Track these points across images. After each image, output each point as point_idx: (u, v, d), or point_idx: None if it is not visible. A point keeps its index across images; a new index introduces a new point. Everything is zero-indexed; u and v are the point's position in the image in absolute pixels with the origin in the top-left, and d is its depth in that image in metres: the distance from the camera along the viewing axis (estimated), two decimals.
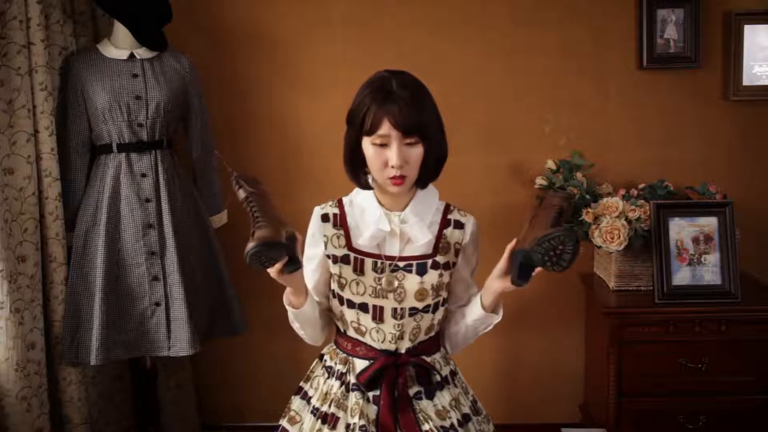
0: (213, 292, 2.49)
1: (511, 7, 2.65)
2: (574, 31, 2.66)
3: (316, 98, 2.70)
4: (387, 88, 1.62)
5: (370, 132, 1.62)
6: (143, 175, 2.32)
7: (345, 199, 1.79)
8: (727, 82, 2.64)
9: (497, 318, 1.78)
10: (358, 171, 1.71)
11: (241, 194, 1.68)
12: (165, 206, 2.33)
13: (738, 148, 2.69)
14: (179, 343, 2.31)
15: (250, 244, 1.55)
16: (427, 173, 1.70)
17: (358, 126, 1.64)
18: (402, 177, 1.63)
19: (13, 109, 2.13)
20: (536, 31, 2.66)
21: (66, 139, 2.33)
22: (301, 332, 1.82)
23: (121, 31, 2.33)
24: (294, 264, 1.60)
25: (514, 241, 1.67)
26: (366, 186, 1.73)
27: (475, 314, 1.76)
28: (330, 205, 1.78)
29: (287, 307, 1.75)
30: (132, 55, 2.34)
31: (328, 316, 1.85)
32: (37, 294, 2.20)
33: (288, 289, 1.70)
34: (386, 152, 1.61)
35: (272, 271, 1.60)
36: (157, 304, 2.31)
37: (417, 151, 1.64)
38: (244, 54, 2.71)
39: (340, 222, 1.75)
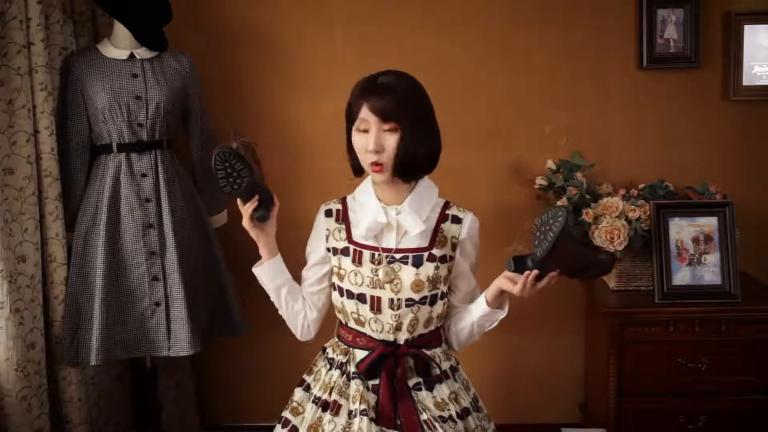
0: (213, 292, 2.49)
1: (511, 8, 2.65)
2: (574, 31, 2.66)
3: (316, 98, 2.70)
4: (372, 80, 1.72)
5: (354, 119, 1.72)
6: (143, 175, 2.32)
7: (349, 197, 1.87)
8: (727, 82, 2.64)
9: (502, 313, 1.82)
10: (352, 160, 1.81)
11: (234, 145, 1.80)
12: (165, 206, 2.33)
13: (738, 148, 2.69)
14: (179, 343, 2.30)
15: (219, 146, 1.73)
16: (409, 164, 1.72)
17: (347, 117, 1.77)
18: (380, 164, 1.70)
19: (13, 109, 2.13)
20: (536, 31, 2.66)
21: (66, 139, 2.33)
22: (282, 312, 1.90)
23: (121, 31, 2.33)
24: (262, 210, 1.75)
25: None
26: (359, 170, 1.82)
27: (480, 311, 1.80)
28: (334, 202, 1.87)
29: (254, 270, 1.86)
30: (132, 55, 2.34)
31: (315, 316, 1.90)
32: (37, 294, 2.20)
33: (260, 249, 1.83)
34: (367, 138, 1.70)
35: (245, 219, 1.76)
36: (157, 304, 2.31)
37: (395, 138, 1.69)
38: (244, 54, 2.71)
39: (342, 217, 1.84)
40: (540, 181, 2.60)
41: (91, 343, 2.24)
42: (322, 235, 1.84)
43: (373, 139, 1.69)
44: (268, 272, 1.84)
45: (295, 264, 1.93)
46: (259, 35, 2.70)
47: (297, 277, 1.92)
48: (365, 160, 1.73)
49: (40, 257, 2.23)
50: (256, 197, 1.76)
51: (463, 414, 1.79)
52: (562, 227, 1.58)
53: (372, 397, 1.74)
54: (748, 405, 2.33)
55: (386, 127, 1.69)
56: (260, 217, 1.76)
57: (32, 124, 2.18)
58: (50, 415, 2.24)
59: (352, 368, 1.79)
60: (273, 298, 1.89)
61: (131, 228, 2.30)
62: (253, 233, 1.79)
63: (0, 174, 2.10)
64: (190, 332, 2.30)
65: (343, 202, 1.86)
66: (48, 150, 2.22)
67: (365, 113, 1.69)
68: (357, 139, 1.73)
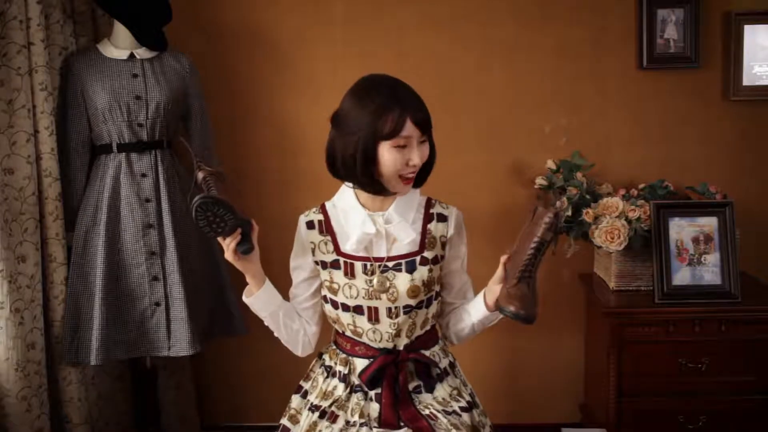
0: (213, 292, 2.49)
1: (511, 7, 2.65)
2: (575, 31, 2.66)
3: (316, 98, 2.70)
4: (399, 89, 1.63)
5: (392, 135, 1.60)
6: (143, 175, 2.32)
7: (328, 204, 1.81)
8: (727, 82, 2.64)
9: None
10: (373, 176, 1.66)
11: (200, 175, 1.70)
12: (165, 206, 2.33)
13: (738, 148, 2.69)
14: (179, 343, 2.31)
15: (197, 196, 1.60)
16: (429, 173, 1.74)
17: (372, 130, 1.60)
18: (414, 174, 1.67)
19: (13, 109, 2.13)
20: (536, 30, 2.66)
21: (66, 139, 2.33)
22: (279, 334, 1.83)
23: (121, 31, 2.33)
24: (247, 243, 1.67)
25: (506, 256, 1.71)
26: (382, 190, 1.69)
27: (480, 314, 1.80)
28: (314, 212, 1.80)
29: (246, 300, 1.78)
30: (132, 55, 2.34)
31: (315, 330, 1.87)
32: (37, 294, 2.20)
33: (247, 279, 1.75)
34: (406, 153, 1.63)
35: (228, 253, 1.66)
36: (157, 304, 2.31)
37: (427, 148, 1.68)
38: (244, 54, 2.71)
39: (326, 228, 1.77)
40: (540, 181, 2.60)
41: (91, 343, 2.24)
42: (307, 249, 1.78)
43: (418, 153, 1.62)
44: (262, 301, 1.77)
45: None
46: (259, 35, 2.70)
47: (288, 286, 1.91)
48: (400, 173, 1.64)
49: (40, 257, 2.23)
50: (239, 231, 1.67)
51: (468, 407, 1.78)
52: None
53: (374, 408, 1.73)
54: (748, 405, 2.33)
55: (422, 138, 1.64)
56: (245, 250, 1.68)
57: (32, 124, 2.18)
58: (50, 415, 2.24)
59: (354, 380, 1.77)
60: (269, 323, 1.81)
61: (131, 228, 2.30)
62: (239, 266, 1.70)
63: (0, 174, 2.10)
64: (190, 332, 2.30)
65: (324, 210, 1.79)
66: (48, 150, 2.22)
67: (410, 129, 1.60)
68: (392, 157, 1.61)
